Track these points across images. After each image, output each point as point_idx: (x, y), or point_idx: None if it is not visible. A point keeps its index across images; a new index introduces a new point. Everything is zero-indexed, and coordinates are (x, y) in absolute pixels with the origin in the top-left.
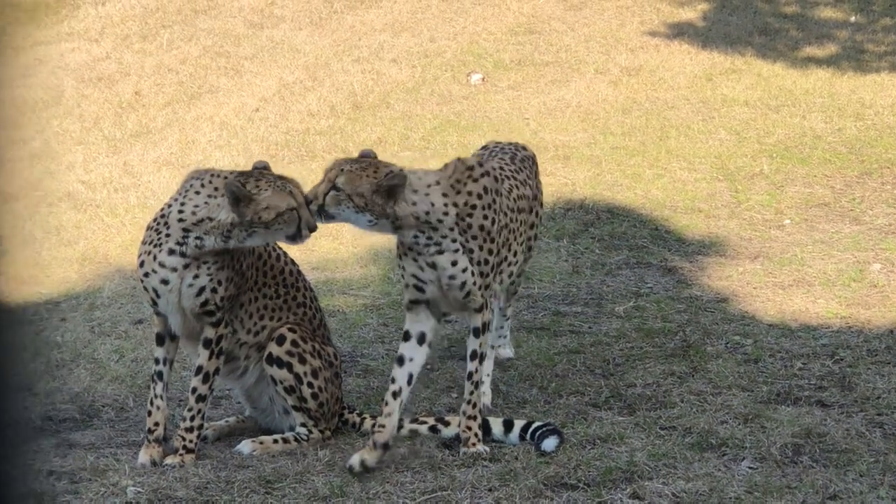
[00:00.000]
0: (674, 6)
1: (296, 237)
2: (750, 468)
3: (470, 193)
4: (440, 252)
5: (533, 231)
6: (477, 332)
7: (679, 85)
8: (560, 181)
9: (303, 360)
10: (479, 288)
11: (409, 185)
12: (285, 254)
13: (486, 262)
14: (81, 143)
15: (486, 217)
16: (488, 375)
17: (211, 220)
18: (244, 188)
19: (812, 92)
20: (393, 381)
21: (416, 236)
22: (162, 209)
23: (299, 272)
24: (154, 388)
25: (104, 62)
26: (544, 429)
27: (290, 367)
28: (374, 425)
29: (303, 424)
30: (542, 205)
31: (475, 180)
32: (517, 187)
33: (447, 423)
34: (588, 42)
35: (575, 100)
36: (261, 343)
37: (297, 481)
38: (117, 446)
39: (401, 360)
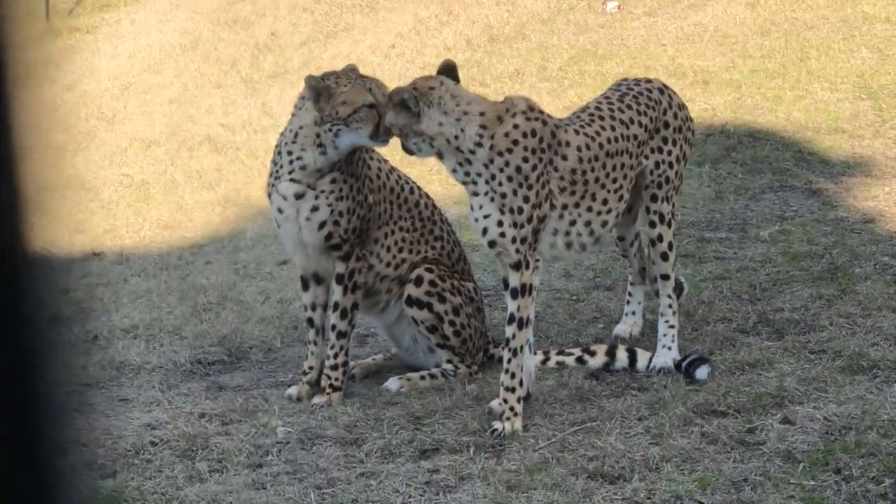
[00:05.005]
0: None
1: (375, 137)
2: None
3: (516, 127)
4: (475, 194)
5: (636, 170)
6: (514, 294)
7: (818, 4)
8: (700, 107)
9: (442, 299)
10: (513, 241)
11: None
12: (419, 188)
13: (521, 210)
14: (219, 87)
15: (525, 160)
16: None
17: (302, 128)
18: (323, 81)
19: None
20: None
21: (454, 169)
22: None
23: (434, 206)
24: (308, 334)
25: (239, 4)
26: (693, 358)
27: (430, 307)
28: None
29: (448, 361)
30: (674, 136)
31: (528, 119)
32: (611, 129)
33: (593, 354)
34: None
35: (712, 24)
36: (401, 277)
37: (445, 416)
38: (266, 387)
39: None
